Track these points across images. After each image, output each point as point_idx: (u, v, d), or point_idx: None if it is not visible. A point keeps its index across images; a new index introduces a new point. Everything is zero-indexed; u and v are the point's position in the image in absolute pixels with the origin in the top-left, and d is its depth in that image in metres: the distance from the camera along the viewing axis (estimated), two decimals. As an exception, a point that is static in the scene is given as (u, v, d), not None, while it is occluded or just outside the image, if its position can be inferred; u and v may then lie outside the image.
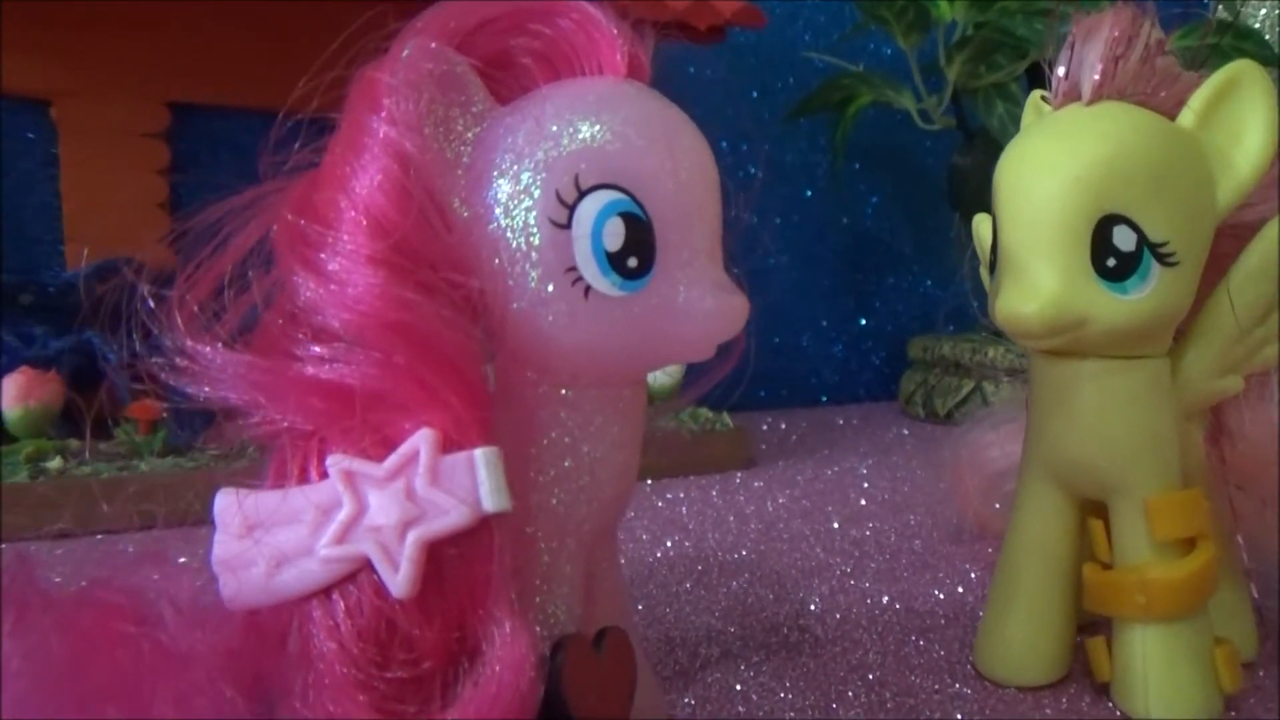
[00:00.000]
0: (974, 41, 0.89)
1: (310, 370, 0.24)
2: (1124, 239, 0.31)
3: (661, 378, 0.72)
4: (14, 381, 0.57)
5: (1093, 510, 0.36)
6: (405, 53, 0.25)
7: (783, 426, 0.95)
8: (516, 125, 0.26)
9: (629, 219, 0.26)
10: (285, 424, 0.25)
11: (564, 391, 0.27)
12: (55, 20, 0.72)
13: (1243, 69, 0.32)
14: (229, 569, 0.24)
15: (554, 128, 0.26)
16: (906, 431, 0.93)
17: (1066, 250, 0.31)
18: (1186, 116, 0.33)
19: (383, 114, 0.25)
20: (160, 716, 0.21)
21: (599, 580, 0.30)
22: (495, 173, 0.26)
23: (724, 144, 1.05)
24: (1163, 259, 0.31)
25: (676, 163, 0.26)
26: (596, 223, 0.25)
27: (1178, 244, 0.31)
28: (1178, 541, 0.33)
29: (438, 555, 0.24)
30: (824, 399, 1.12)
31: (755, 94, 1.07)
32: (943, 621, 0.43)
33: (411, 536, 0.23)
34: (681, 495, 0.67)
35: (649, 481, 0.70)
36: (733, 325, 0.27)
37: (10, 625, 0.21)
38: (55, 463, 0.57)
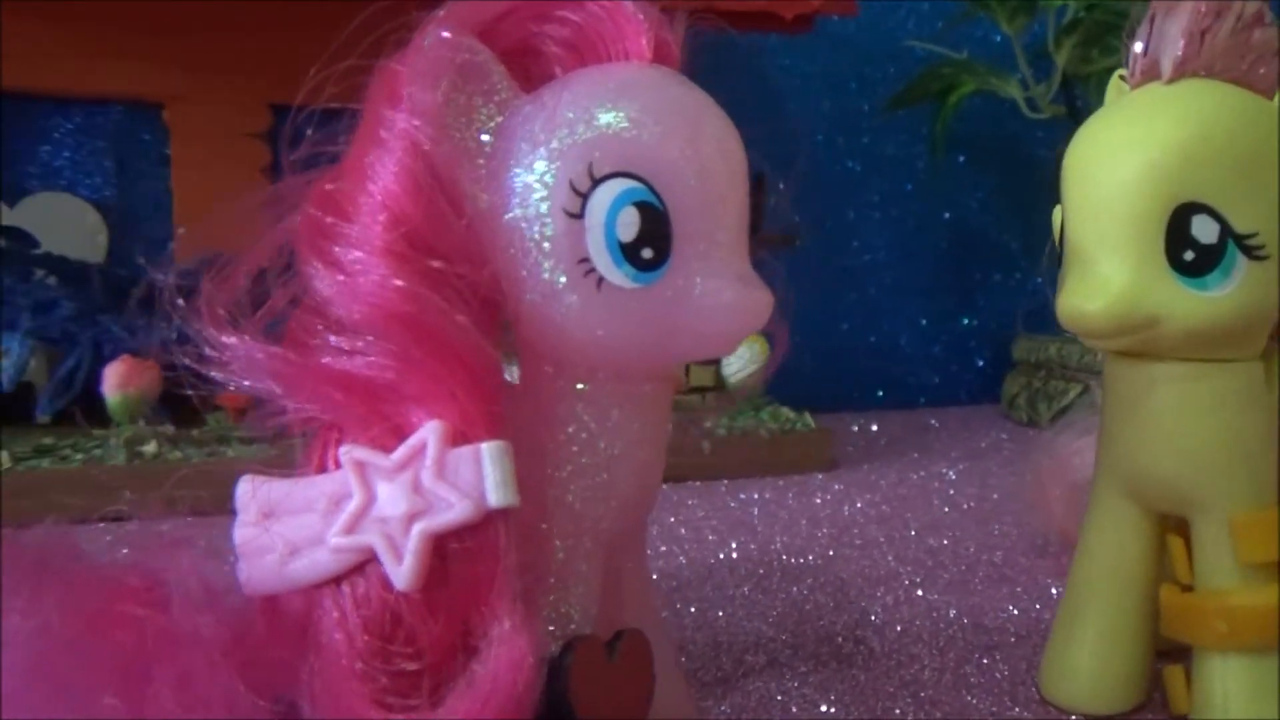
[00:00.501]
0: (1085, 25, 0.84)
1: (327, 361, 0.25)
2: (1204, 230, 0.28)
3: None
4: (115, 369, 0.61)
5: (1173, 526, 0.33)
6: (426, 43, 0.25)
7: (873, 428, 0.91)
8: (534, 113, 0.25)
9: (644, 208, 0.25)
10: (307, 414, 0.25)
11: (580, 386, 0.26)
12: (167, 28, 0.76)
13: (1352, 41, 0.29)
14: (245, 555, 0.24)
15: (570, 115, 0.25)
16: (1005, 436, 0.88)
17: (1138, 242, 0.29)
18: (1284, 95, 0.29)
19: (402, 106, 0.25)
20: (158, 698, 0.21)
21: (624, 582, 0.30)
22: (513, 161, 0.25)
23: (820, 137, 1.03)
24: (1250, 252, 0.28)
25: (698, 151, 0.25)
26: (610, 212, 0.24)
27: (1268, 235, 0.28)
28: (1267, 565, 0.30)
29: (443, 549, 0.23)
30: (922, 401, 1.08)
31: (853, 85, 1.04)
32: (1012, 639, 0.40)
33: (416, 529, 0.23)
34: (755, 496, 0.65)
35: (724, 482, 0.68)
36: (754, 320, 0.25)
37: (24, 603, 0.21)
38: (151, 447, 0.60)
